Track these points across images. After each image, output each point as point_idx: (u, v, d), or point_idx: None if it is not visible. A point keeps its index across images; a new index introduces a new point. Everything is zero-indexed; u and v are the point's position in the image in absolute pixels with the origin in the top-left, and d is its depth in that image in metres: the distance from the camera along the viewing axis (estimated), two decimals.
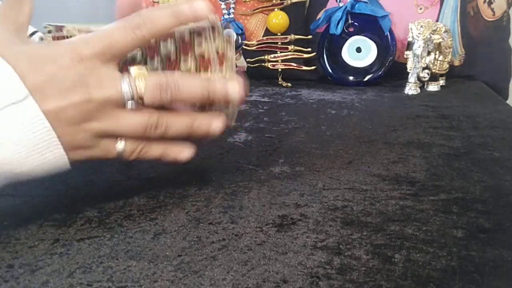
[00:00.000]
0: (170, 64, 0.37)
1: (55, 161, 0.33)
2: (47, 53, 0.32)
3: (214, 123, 0.38)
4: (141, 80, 0.34)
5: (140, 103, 0.34)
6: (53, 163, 0.33)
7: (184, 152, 0.38)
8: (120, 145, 0.35)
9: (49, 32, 0.38)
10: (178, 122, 0.36)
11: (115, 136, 0.35)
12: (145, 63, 0.37)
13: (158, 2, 1.02)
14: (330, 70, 0.92)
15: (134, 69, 0.34)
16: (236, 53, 0.98)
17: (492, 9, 0.92)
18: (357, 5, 0.87)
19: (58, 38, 0.38)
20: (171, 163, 0.39)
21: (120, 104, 0.34)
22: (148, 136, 0.36)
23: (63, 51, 0.32)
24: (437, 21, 0.90)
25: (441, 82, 0.86)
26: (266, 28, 0.93)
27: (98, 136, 0.34)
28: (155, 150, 0.37)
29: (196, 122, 0.37)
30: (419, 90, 0.83)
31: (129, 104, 0.34)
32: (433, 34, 0.81)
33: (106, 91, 0.33)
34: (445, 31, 0.83)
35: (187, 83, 0.35)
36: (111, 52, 0.33)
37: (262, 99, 0.80)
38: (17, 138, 0.30)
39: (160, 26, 0.34)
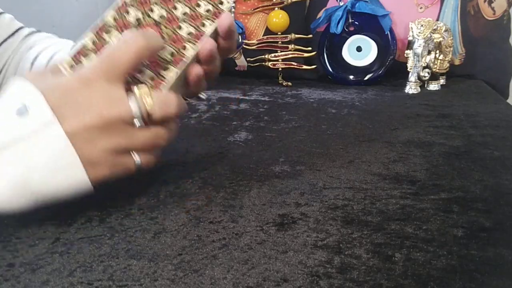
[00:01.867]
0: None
1: (77, 181, 0.34)
2: (60, 81, 0.35)
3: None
4: (147, 99, 0.36)
5: (147, 120, 0.36)
6: (76, 183, 0.34)
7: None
8: (137, 159, 0.37)
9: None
10: (174, 128, 0.39)
11: (129, 151, 0.36)
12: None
13: None
14: (330, 69, 0.92)
15: (137, 90, 0.36)
16: (236, 53, 0.98)
17: (493, 8, 0.92)
18: (357, 4, 0.87)
19: (76, 56, 0.39)
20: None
21: (129, 122, 0.35)
22: (157, 148, 0.38)
23: (72, 78, 0.35)
24: (437, 20, 0.90)
25: (442, 81, 0.86)
26: (267, 27, 0.93)
27: (114, 153, 0.35)
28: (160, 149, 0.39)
29: (177, 125, 0.41)
30: (419, 89, 0.83)
31: (137, 121, 0.35)
32: (433, 33, 0.81)
33: (116, 110, 0.34)
34: (446, 30, 0.83)
35: (182, 101, 0.39)
36: (115, 72, 0.35)
37: (263, 98, 0.80)
38: (47, 160, 0.32)
39: (158, 38, 0.37)
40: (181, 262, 0.31)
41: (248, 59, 0.97)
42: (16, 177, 0.32)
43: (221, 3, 0.41)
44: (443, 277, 0.29)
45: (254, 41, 0.94)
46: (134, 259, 0.31)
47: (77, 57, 0.38)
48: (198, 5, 0.41)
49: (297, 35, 0.92)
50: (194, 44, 0.40)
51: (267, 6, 0.93)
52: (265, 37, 0.94)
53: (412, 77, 0.83)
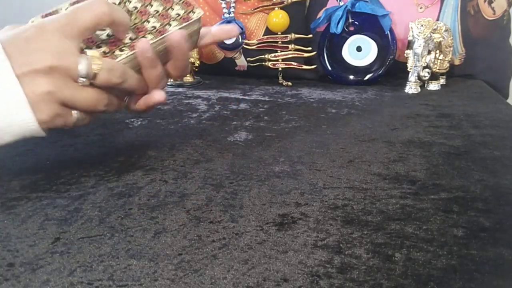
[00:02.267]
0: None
1: (25, 120, 0.36)
2: (20, 29, 0.37)
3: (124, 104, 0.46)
4: (97, 61, 0.38)
5: (91, 82, 0.39)
6: (25, 124, 0.36)
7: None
8: (75, 115, 0.40)
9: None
10: (115, 101, 0.42)
11: (68, 105, 0.39)
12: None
13: None
14: (330, 69, 0.92)
15: (90, 51, 0.39)
16: (236, 52, 0.98)
17: (493, 8, 0.92)
18: (357, 4, 0.87)
19: (46, 15, 0.43)
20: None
21: (74, 77, 0.38)
22: (94, 112, 0.41)
23: (32, 27, 0.37)
24: (437, 20, 0.90)
25: (442, 81, 0.86)
26: (267, 27, 0.93)
27: (55, 101, 0.37)
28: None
29: (122, 103, 0.45)
30: (419, 89, 0.83)
31: (81, 80, 0.38)
32: (433, 33, 0.81)
33: (64, 61, 0.37)
34: (446, 30, 0.83)
35: (131, 74, 0.41)
36: (73, 28, 0.37)
37: (263, 98, 0.80)
38: None
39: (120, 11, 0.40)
40: (181, 262, 0.31)
41: (248, 59, 0.97)
42: None
43: (193, 12, 0.44)
44: (443, 277, 0.29)
45: (254, 41, 0.94)
46: (134, 259, 0.31)
47: (47, 16, 0.41)
48: (172, 8, 0.44)
49: (297, 35, 0.92)
50: (155, 37, 0.43)
51: (267, 6, 0.93)
52: (265, 37, 0.94)
53: (412, 77, 0.83)
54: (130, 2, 0.44)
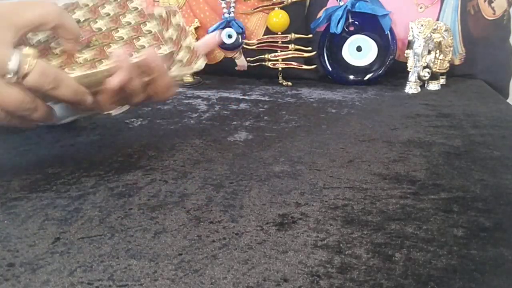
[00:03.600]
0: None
1: None
2: None
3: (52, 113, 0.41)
4: (30, 61, 0.35)
5: (20, 82, 0.35)
6: None
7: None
8: None
9: None
10: (42, 108, 0.38)
11: None
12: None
13: (158, 1, 1.02)
14: (330, 69, 0.92)
15: (26, 49, 0.35)
16: (236, 52, 0.98)
17: (493, 8, 0.92)
18: (357, 4, 0.87)
19: None
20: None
21: (2, 72, 0.34)
22: (15, 113, 0.37)
23: None
24: (437, 20, 0.90)
25: (442, 81, 0.86)
26: (267, 27, 0.93)
27: None
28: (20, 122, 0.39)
29: (49, 113, 0.40)
30: (419, 89, 0.83)
31: (9, 77, 0.34)
32: (433, 33, 0.81)
33: None
34: (446, 30, 0.83)
35: (67, 83, 0.38)
36: (12, 20, 0.34)
37: (263, 98, 0.80)
38: None
39: (69, 21, 0.37)
40: (181, 262, 0.31)
41: (248, 59, 0.97)
42: None
43: (167, 30, 0.43)
44: (443, 277, 0.29)
45: (254, 41, 0.94)
46: (134, 259, 0.31)
47: None
48: (145, 24, 0.42)
49: (297, 35, 0.92)
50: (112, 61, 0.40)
51: (267, 6, 0.93)
52: (265, 37, 0.94)
53: (412, 77, 0.83)
54: (96, 22, 0.41)
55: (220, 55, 0.99)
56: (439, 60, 0.83)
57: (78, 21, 0.41)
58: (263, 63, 0.94)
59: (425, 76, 0.83)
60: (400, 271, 0.29)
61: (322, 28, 0.91)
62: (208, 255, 0.31)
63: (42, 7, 0.35)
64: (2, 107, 0.36)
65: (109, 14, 0.41)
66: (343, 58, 0.90)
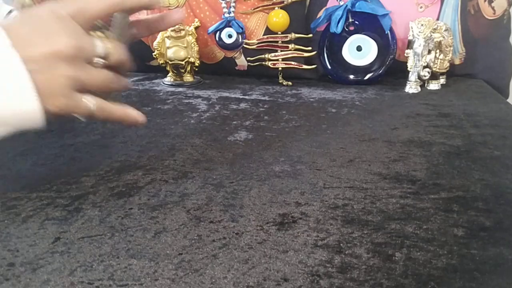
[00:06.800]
0: None
1: (29, 109, 0.34)
2: (29, 13, 0.36)
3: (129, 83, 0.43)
4: (107, 41, 0.38)
5: (103, 62, 0.38)
6: (28, 113, 0.34)
7: (141, 118, 0.42)
8: (91, 101, 0.37)
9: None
10: (124, 79, 0.41)
11: (84, 88, 0.37)
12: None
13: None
14: (330, 69, 0.92)
15: (97, 33, 0.38)
16: (236, 52, 0.98)
17: (493, 8, 0.92)
18: (357, 4, 0.87)
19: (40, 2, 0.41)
20: (129, 125, 0.42)
21: (90, 59, 0.37)
22: (108, 91, 0.39)
23: (43, 10, 0.36)
24: (437, 19, 0.90)
25: (442, 80, 0.86)
26: (267, 27, 0.93)
27: (72, 86, 0.36)
28: (117, 111, 0.40)
29: (128, 82, 0.42)
30: (419, 89, 0.83)
31: (97, 60, 0.37)
32: (433, 33, 0.81)
33: (81, 42, 0.36)
34: (446, 30, 0.83)
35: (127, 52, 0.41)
36: (85, 15, 0.36)
37: (263, 98, 0.80)
38: None
39: None
40: (182, 261, 0.31)
41: (248, 58, 0.97)
42: None
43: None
44: (444, 276, 0.29)
45: (254, 41, 0.94)
46: (135, 259, 0.31)
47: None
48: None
49: (297, 35, 0.92)
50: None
51: (267, 5, 0.93)
52: (265, 36, 0.94)
53: (412, 77, 0.83)
54: None
55: (220, 54, 0.99)
56: (439, 60, 0.83)
57: None
58: (263, 62, 0.94)
59: (425, 76, 0.83)
60: (400, 271, 0.29)
61: (322, 28, 0.91)
62: (208, 255, 0.31)
63: (103, 1, 0.37)
64: (97, 89, 0.38)
65: None
66: (343, 58, 0.90)
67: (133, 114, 0.41)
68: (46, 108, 0.35)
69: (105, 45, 0.38)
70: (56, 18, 0.35)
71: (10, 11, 0.67)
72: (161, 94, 0.83)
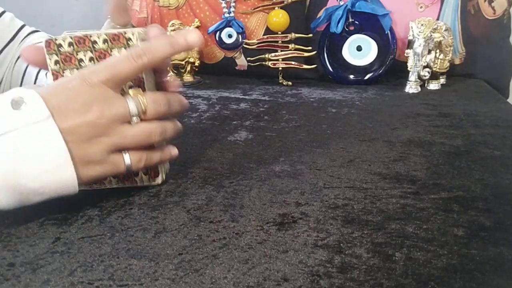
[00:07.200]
0: None
1: (66, 179, 0.35)
2: (62, 81, 0.37)
3: (179, 125, 0.44)
4: (141, 97, 0.38)
5: (142, 118, 0.38)
6: (64, 182, 0.35)
7: (174, 150, 0.43)
8: (126, 157, 0.38)
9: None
10: (170, 126, 0.41)
11: (122, 149, 0.38)
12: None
13: (158, 1, 1.02)
14: (330, 69, 0.92)
15: (131, 91, 0.39)
16: (236, 52, 0.98)
17: (493, 8, 0.92)
18: (357, 4, 0.87)
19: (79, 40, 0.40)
20: (168, 160, 0.43)
21: (126, 120, 0.37)
22: (151, 143, 0.40)
23: (75, 79, 0.36)
24: (437, 19, 0.90)
25: (442, 80, 0.86)
26: (267, 26, 0.93)
27: (107, 151, 0.37)
28: (155, 156, 0.41)
29: (177, 125, 0.43)
30: (419, 89, 0.83)
31: (135, 119, 0.38)
32: (433, 33, 0.81)
33: (115, 109, 0.36)
34: (446, 30, 0.83)
35: (174, 99, 0.42)
36: (116, 80, 0.37)
37: (263, 98, 0.80)
38: (37, 154, 0.33)
39: (158, 55, 0.38)
40: (182, 261, 0.31)
41: (248, 58, 0.97)
42: (2, 166, 0.32)
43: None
44: (444, 276, 0.29)
45: (254, 41, 0.94)
46: (135, 259, 0.31)
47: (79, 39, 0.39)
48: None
49: (297, 35, 0.92)
50: None
51: (267, 5, 0.93)
52: (265, 36, 0.94)
53: (413, 77, 0.83)
54: (83, 62, 0.39)
55: (220, 54, 0.99)
56: (439, 60, 0.83)
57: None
58: (263, 62, 0.94)
59: (425, 76, 0.83)
60: (401, 271, 0.29)
61: (322, 28, 0.91)
62: (208, 255, 0.31)
63: (132, 64, 0.37)
64: (136, 146, 0.39)
65: None
66: (343, 58, 0.90)
67: (168, 152, 0.42)
68: (81, 177, 0.35)
69: (140, 102, 0.38)
70: (88, 87, 0.36)
71: (23, 26, 0.65)
72: None
